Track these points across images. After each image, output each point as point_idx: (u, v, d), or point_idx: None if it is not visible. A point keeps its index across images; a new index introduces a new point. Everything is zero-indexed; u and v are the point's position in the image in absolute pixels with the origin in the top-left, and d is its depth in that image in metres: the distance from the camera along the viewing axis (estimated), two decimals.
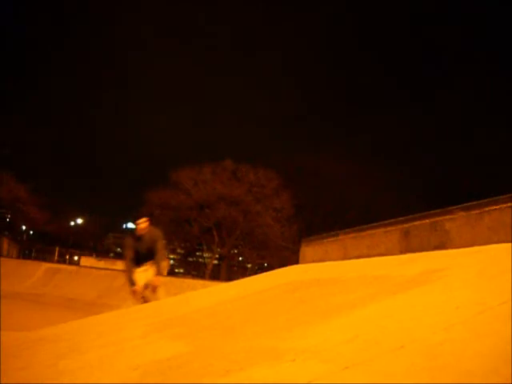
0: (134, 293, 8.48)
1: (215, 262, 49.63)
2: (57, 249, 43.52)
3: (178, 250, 61.80)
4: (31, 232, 61.11)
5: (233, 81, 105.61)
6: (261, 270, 49.55)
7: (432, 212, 4.84)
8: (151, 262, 8.60)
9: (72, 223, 65.81)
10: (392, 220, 5.47)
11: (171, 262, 65.13)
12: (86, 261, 35.65)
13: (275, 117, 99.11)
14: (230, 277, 40.75)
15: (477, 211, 4.33)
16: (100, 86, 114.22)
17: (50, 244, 47.66)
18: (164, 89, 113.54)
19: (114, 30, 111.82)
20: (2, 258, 29.14)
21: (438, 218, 4.72)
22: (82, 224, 66.17)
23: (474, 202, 4.39)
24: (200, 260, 56.71)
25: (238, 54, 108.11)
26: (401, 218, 5.29)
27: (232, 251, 50.92)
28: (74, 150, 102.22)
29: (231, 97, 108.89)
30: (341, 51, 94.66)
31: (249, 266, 53.65)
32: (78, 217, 65.98)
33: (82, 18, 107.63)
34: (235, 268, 53.19)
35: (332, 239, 6.71)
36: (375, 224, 5.41)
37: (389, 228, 5.31)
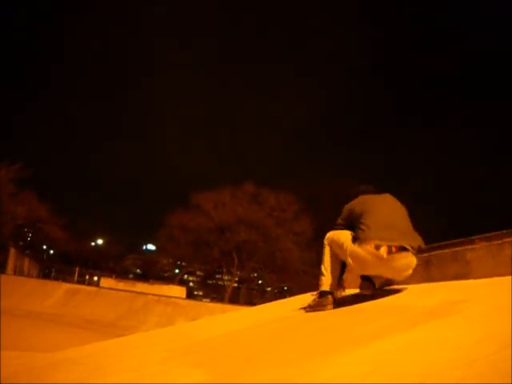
0: None
1: (235, 284, 49.40)
2: (77, 269, 43.59)
3: (198, 273, 61.69)
4: (51, 251, 61.37)
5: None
6: (280, 293, 49.33)
7: (453, 241, 4.81)
8: None
9: (92, 243, 66.21)
10: None
11: (191, 284, 65.16)
12: (106, 282, 35.73)
13: (297, 141, 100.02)
14: (250, 300, 40.62)
15: (498, 241, 4.30)
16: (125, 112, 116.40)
17: (69, 264, 47.74)
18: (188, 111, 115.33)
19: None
20: (23, 278, 29.48)
21: (459, 248, 4.69)
22: (102, 245, 66.49)
23: (495, 233, 4.37)
24: (219, 283, 56.52)
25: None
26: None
27: (252, 274, 50.71)
28: (96, 172, 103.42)
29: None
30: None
31: (268, 289, 53.38)
32: (98, 237, 66.41)
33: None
34: (255, 291, 52.92)
35: None
36: None
37: None
